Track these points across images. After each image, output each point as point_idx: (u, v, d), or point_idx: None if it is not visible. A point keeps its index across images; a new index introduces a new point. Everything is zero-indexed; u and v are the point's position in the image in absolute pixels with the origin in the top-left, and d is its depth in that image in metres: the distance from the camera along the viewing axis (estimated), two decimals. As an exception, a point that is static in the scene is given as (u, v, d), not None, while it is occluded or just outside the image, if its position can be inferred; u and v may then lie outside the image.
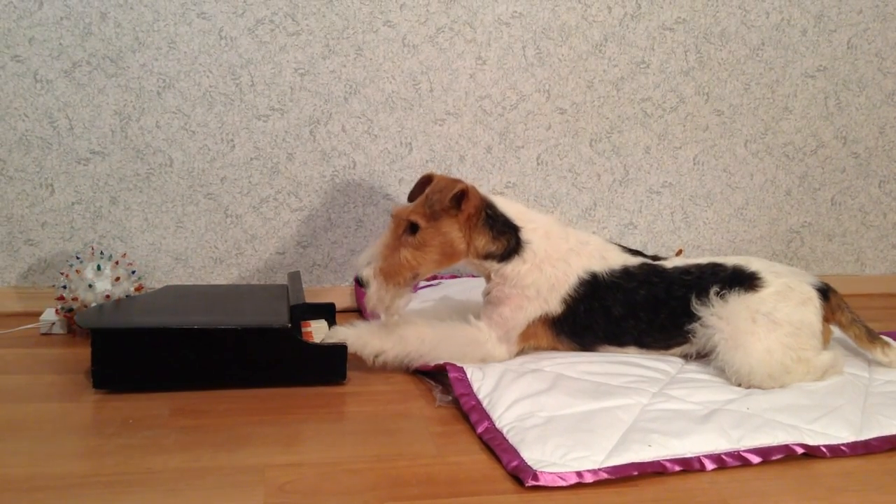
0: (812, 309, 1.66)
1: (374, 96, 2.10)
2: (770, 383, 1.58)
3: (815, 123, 2.41)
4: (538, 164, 2.25)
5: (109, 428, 1.36)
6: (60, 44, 1.91)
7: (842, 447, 1.37)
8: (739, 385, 1.59)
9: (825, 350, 1.67)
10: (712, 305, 1.65)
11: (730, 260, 1.75)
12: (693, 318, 1.68)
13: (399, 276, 1.60)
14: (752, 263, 1.73)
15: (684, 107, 2.31)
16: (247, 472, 1.22)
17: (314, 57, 2.04)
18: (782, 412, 1.45)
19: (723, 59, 2.30)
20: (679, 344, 1.73)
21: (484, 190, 1.71)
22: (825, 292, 1.71)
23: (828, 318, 1.70)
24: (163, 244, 2.06)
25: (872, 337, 1.74)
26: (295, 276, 1.86)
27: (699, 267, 1.74)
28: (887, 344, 1.74)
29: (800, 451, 1.34)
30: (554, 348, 1.73)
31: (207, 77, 1.99)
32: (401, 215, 1.62)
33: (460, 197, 1.61)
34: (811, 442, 1.36)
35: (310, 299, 1.91)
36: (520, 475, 1.22)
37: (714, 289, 1.66)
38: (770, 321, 1.61)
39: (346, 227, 2.16)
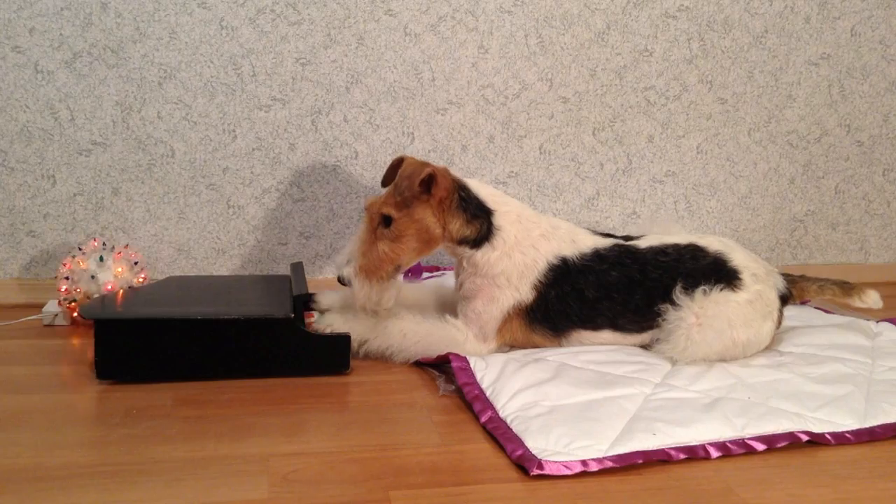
0: (769, 326, 1.69)
1: (376, 86, 2.09)
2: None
3: (818, 111, 2.40)
4: (541, 153, 2.24)
5: (113, 418, 1.36)
6: (61, 34, 1.90)
7: (846, 434, 1.37)
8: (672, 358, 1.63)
9: None
10: (693, 301, 1.64)
11: (710, 243, 1.72)
12: (670, 301, 1.66)
13: (380, 270, 1.58)
14: (734, 254, 1.70)
15: (687, 95, 2.30)
16: (251, 462, 1.22)
17: (315, 46, 2.03)
18: (786, 400, 1.45)
19: (726, 46, 2.29)
20: (652, 327, 1.69)
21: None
22: (786, 299, 1.74)
23: (780, 321, 1.74)
24: (165, 235, 2.05)
25: (846, 289, 1.77)
26: (298, 267, 1.86)
27: (677, 248, 1.71)
28: (862, 290, 1.76)
29: (804, 438, 1.34)
30: (529, 341, 1.69)
31: (208, 67, 1.99)
32: (373, 208, 1.59)
33: (429, 181, 1.57)
34: (816, 429, 1.36)
35: (313, 290, 1.91)
36: (524, 464, 1.22)
37: (701, 287, 1.65)
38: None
39: (349, 218, 2.15)
